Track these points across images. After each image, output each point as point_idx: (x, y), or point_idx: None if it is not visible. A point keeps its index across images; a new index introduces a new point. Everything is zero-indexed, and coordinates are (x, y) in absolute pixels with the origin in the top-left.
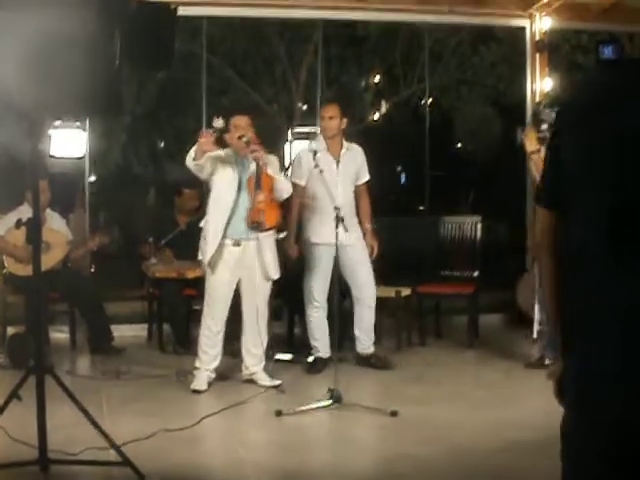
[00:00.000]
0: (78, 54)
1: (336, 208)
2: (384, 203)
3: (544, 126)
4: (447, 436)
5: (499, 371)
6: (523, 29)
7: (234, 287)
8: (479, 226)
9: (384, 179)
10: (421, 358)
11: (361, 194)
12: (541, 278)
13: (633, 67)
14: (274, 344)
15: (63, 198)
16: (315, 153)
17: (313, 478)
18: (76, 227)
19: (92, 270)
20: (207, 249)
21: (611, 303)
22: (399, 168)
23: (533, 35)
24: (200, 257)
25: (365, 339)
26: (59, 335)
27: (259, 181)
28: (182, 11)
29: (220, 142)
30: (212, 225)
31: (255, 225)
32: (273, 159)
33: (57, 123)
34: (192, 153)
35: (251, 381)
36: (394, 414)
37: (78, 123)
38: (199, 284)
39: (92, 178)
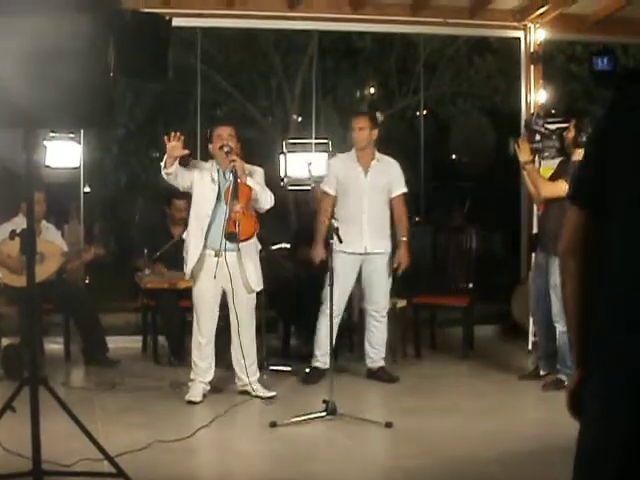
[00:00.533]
0: (72, 65)
1: (334, 219)
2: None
3: (537, 137)
4: (442, 447)
5: (494, 382)
6: (518, 40)
7: (219, 298)
8: (474, 237)
9: None
10: (416, 369)
11: (396, 206)
12: (564, 281)
13: None
14: (268, 355)
15: (58, 209)
16: (309, 164)
17: None
18: (71, 238)
19: (87, 281)
20: (188, 260)
21: None
22: None
23: (528, 46)
24: (187, 270)
25: (374, 352)
26: (54, 346)
27: (236, 191)
28: (177, 22)
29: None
30: (192, 237)
31: (230, 236)
32: (258, 170)
33: (52, 134)
34: (162, 162)
35: (246, 392)
36: (389, 425)
37: (72, 134)
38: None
39: (87, 189)
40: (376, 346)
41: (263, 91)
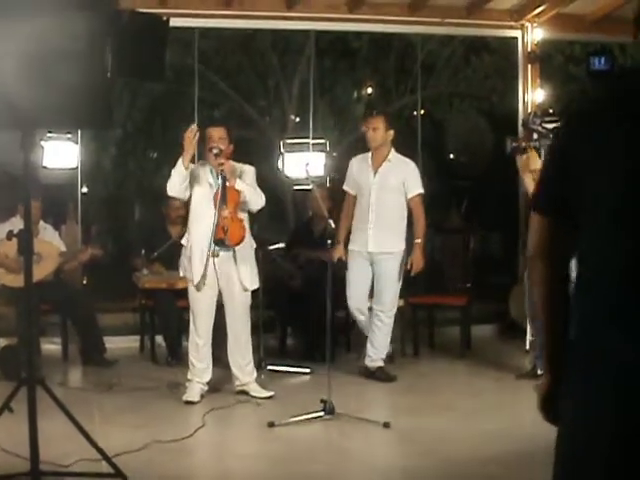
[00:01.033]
0: (70, 66)
1: (327, 219)
2: None
3: (535, 136)
4: (439, 447)
5: (491, 382)
6: (515, 40)
7: (215, 299)
8: (472, 237)
9: None
10: (414, 369)
11: (413, 208)
12: (532, 286)
13: None
14: (266, 355)
15: (55, 209)
16: (307, 164)
17: None
18: (68, 238)
19: (84, 282)
20: (194, 268)
21: (626, 322)
22: None
23: (525, 46)
24: (182, 274)
25: (373, 352)
26: (51, 347)
27: (224, 196)
28: (174, 22)
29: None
30: (196, 243)
31: (219, 242)
32: (248, 169)
33: (49, 134)
34: (179, 165)
35: (243, 392)
36: (387, 425)
37: (70, 134)
38: None
39: (84, 189)
40: (377, 346)
41: (260, 91)
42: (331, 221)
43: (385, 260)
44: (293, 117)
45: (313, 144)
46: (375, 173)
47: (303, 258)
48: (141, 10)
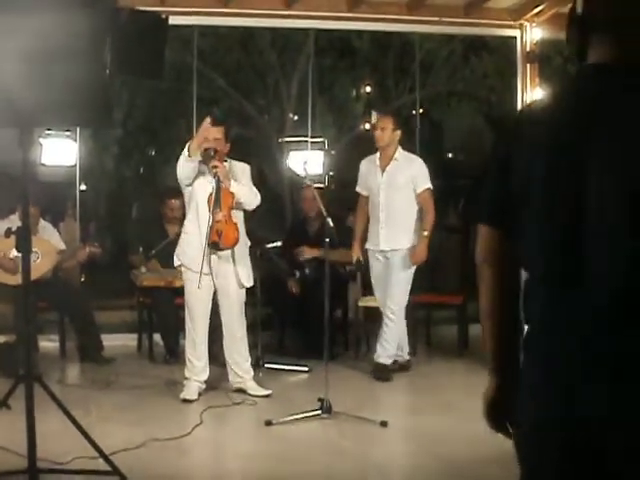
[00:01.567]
0: (68, 63)
1: (326, 217)
2: None
3: None
4: (437, 446)
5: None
6: (514, 39)
7: (211, 297)
8: (469, 235)
9: None
10: (412, 368)
11: (422, 203)
12: (480, 291)
13: (605, 78)
14: (264, 353)
15: (54, 207)
16: (305, 163)
17: None
18: (66, 236)
19: (82, 279)
20: (192, 261)
21: (568, 317)
22: None
23: (524, 45)
24: (177, 263)
25: (380, 348)
26: (49, 344)
27: (218, 199)
28: (173, 20)
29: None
30: (193, 235)
31: (213, 245)
32: (244, 167)
33: (48, 132)
34: (186, 149)
35: (241, 390)
36: (384, 424)
37: (69, 132)
38: None
39: (83, 187)
40: (383, 343)
41: (260, 89)
42: (329, 219)
43: (396, 256)
44: (292, 115)
45: (311, 142)
46: (383, 172)
47: (301, 257)
48: (140, 8)
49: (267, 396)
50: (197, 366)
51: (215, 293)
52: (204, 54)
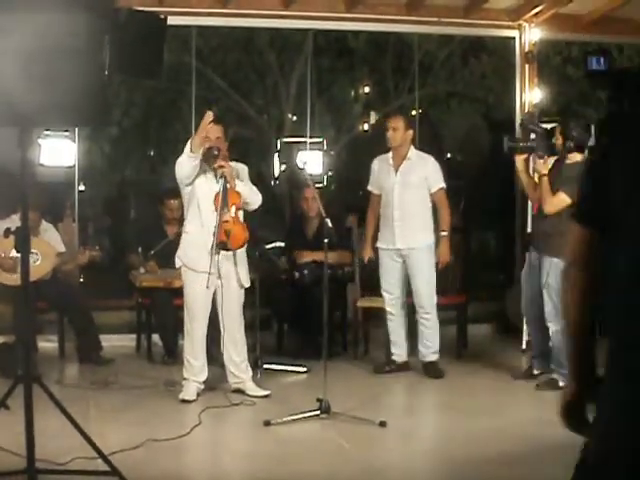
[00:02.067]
0: (67, 63)
1: (324, 218)
2: None
3: (532, 136)
4: (435, 447)
5: (488, 382)
6: (512, 40)
7: (211, 297)
8: (469, 236)
9: None
10: (410, 368)
11: (437, 202)
12: (566, 289)
13: None
14: (262, 354)
15: (52, 207)
16: (304, 163)
17: None
18: (65, 237)
19: (81, 280)
20: (195, 259)
21: None
22: None
23: (522, 46)
24: (178, 264)
25: (422, 347)
26: (48, 344)
27: (226, 199)
28: (172, 21)
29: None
30: (197, 234)
31: (221, 245)
32: (242, 168)
33: (46, 132)
34: (188, 146)
35: (239, 391)
36: (383, 424)
37: (67, 132)
38: None
39: (81, 187)
40: (425, 341)
41: (258, 89)
42: (328, 220)
43: (415, 254)
44: (290, 116)
45: (310, 143)
46: (396, 172)
47: (299, 261)
48: (139, 8)
49: (266, 396)
50: (196, 366)
51: (214, 294)
52: (203, 54)
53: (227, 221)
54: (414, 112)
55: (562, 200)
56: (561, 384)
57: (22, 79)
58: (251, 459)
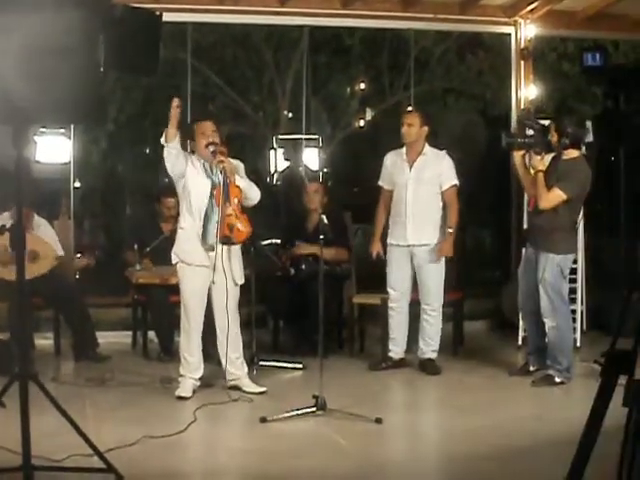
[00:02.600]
0: (62, 60)
1: (320, 214)
2: (370, 210)
3: (530, 132)
4: (431, 443)
5: (484, 378)
6: (508, 36)
7: (207, 293)
8: (465, 232)
9: (370, 186)
10: (407, 364)
11: (448, 199)
12: None
13: None
14: (258, 351)
15: (48, 204)
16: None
17: None
18: (61, 234)
19: (77, 276)
20: (184, 254)
21: None
22: None
23: (518, 42)
24: (175, 259)
25: (423, 344)
26: (44, 342)
27: (227, 194)
28: (167, 17)
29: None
30: (186, 231)
31: (225, 240)
32: (238, 164)
33: (42, 129)
34: (163, 138)
35: (235, 387)
36: (379, 421)
37: (63, 129)
38: None
39: (77, 184)
40: (426, 338)
41: (254, 86)
42: (324, 216)
43: (423, 252)
44: (286, 112)
45: (306, 139)
46: (411, 167)
47: (297, 251)
48: (134, 5)
49: (262, 393)
50: (192, 363)
51: (209, 290)
52: (199, 50)
53: (230, 215)
54: (409, 108)
55: (557, 196)
56: (557, 380)
57: (17, 77)
58: (247, 456)
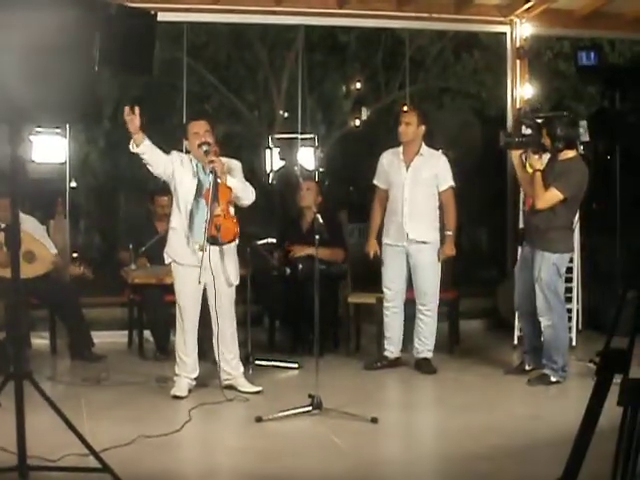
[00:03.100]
0: (57, 59)
1: (315, 213)
2: (366, 209)
3: (528, 130)
4: (427, 442)
5: (479, 377)
6: (504, 35)
7: (201, 293)
8: (460, 232)
9: (365, 185)
10: (402, 364)
11: (445, 201)
12: None
13: None
14: (254, 350)
15: (44, 204)
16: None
17: None
18: (57, 234)
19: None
20: (173, 253)
21: None
22: None
23: (514, 41)
24: (167, 259)
25: (419, 343)
26: (40, 341)
27: (216, 194)
28: (163, 17)
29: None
30: (175, 230)
31: (212, 240)
32: (236, 164)
33: (38, 129)
34: (131, 145)
35: (231, 387)
36: (374, 420)
37: (58, 129)
38: None
39: (73, 184)
40: (422, 338)
41: (250, 85)
42: (319, 216)
43: (421, 251)
44: (282, 112)
45: (302, 139)
46: (407, 167)
47: (293, 255)
48: (129, 4)
49: (257, 393)
50: (187, 363)
51: (205, 290)
52: (194, 49)
53: (218, 215)
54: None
55: (554, 196)
56: (552, 379)
57: (12, 76)
58: (243, 455)
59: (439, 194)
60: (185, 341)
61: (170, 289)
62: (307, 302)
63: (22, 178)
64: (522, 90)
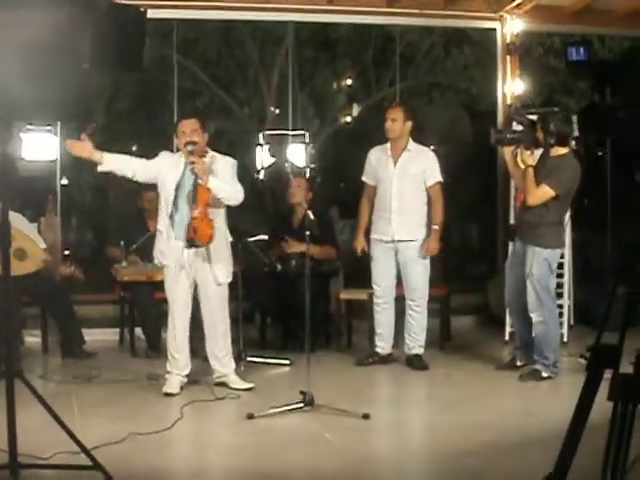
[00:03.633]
0: (47, 57)
1: (306, 210)
2: (357, 205)
3: (519, 127)
4: (418, 439)
5: (470, 373)
6: (494, 31)
7: (192, 291)
8: (451, 228)
9: (356, 181)
10: (393, 360)
11: (433, 196)
12: None
13: None
14: (245, 347)
15: (35, 201)
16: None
17: None
18: (48, 231)
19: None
20: (158, 251)
21: None
22: None
23: (504, 37)
24: (156, 261)
25: (410, 340)
26: (31, 339)
27: (195, 196)
28: (152, 13)
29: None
30: (160, 228)
31: (190, 242)
32: (229, 162)
33: (29, 126)
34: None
35: (223, 384)
36: (366, 417)
37: (49, 126)
38: None
39: (64, 181)
40: (412, 334)
41: (240, 82)
42: (310, 212)
43: (410, 248)
44: (273, 108)
45: (293, 135)
46: (395, 163)
47: (286, 250)
48: (119, 1)
49: (249, 389)
50: (179, 360)
51: (196, 289)
52: (185, 46)
53: (195, 218)
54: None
55: (546, 193)
56: (544, 375)
57: (2, 74)
58: (234, 452)
59: (427, 189)
60: (176, 339)
61: (161, 286)
62: (298, 299)
63: (12, 176)
64: (512, 86)
